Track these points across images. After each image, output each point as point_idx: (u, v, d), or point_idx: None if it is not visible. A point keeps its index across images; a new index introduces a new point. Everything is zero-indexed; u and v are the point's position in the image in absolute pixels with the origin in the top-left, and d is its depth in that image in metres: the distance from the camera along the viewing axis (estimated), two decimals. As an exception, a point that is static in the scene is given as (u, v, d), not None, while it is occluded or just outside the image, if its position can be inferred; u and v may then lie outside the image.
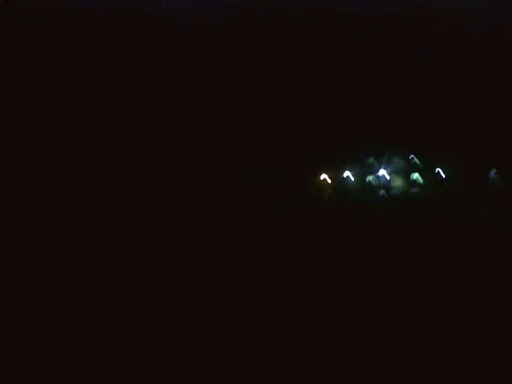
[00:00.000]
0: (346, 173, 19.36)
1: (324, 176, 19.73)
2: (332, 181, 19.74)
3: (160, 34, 24.25)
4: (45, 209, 16.02)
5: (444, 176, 19.35)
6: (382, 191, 19.17)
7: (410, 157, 20.17)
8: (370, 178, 19.45)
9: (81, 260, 10.58)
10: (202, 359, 5.32)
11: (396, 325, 5.66)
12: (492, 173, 19.05)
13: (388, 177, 19.73)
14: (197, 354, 5.40)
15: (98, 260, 10.68)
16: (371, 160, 19.92)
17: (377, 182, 19.40)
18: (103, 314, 6.83)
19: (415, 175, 19.38)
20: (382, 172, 19.36)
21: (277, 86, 22.56)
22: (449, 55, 23.27)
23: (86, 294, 7.93)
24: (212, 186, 17.96)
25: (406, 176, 19.33)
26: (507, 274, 7.91)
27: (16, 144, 18.93)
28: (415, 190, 18.57)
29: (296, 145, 20.06)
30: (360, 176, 19.21)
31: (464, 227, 13.28)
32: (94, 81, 21.84)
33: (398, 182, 19.50)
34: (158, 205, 17.24)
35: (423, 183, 19.21)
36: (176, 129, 20.92)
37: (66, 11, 25.03)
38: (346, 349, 5.24)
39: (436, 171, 19.42)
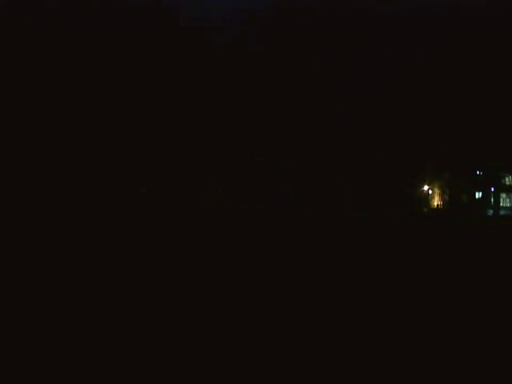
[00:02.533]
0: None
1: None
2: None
3: (159, 34, 24.22)
4: (44, 208, 15.98)
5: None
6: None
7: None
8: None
9: (81, 260, 10.63)
10: (202, 359, 5.36)
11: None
12: None
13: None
14: (196, 354, 5.45)
15: (97, 260, 10.73)
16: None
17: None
18: (102, 315, 6.88)
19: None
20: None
21: (278, 86, 22.56)
22: (452, 54, 23.22)
23: (85, 294, 7.98)
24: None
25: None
26: None
27: (15, 142, 18.91)
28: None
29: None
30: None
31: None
32: (94, 81, 21.82)
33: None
34: (156, 204, 17.22)
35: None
36: (178, 129, 20.89)
37: (67, 11, 25.00)
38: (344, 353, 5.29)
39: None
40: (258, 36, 24.35)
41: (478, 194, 29.85)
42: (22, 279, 8.74)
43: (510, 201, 26.69)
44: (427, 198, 27.86)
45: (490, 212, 25.88)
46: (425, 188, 24.75)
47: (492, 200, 26.97)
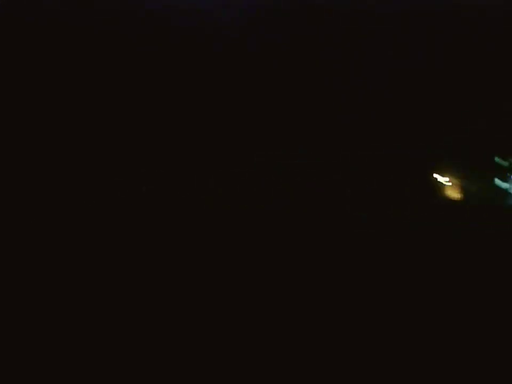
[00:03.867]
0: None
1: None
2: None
3: (159, 34, 24.27)
4: (44, 209, 16.02)
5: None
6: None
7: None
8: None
9: (81, 260, 10.59)
10: (202, 359, 5.31)
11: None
12: None
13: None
14: (196, 354, 5.37)
15: (97, 260, 10.69)
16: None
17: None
18: (103, 315, 6.78)
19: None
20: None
21: (278, 87, 22.58)
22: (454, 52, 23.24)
23: (85, 294, 7.90)
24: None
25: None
26: None
27: (15, 141, 18.94)
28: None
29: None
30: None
31: None
32: (94, 81, 21.86)
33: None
34: (157, 204, 17.24)
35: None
36: (178, 129, 20.93)
37: (67, 11, 25.03)
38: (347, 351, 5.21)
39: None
40: (257, 36, 24.36)
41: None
42: (21, 276, 8.69)
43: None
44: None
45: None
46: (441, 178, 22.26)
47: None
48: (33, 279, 8.88)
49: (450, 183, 19.90)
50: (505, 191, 17.52)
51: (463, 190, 19.44)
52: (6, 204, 16.16)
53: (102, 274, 9.30)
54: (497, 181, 18.17)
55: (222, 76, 22.37)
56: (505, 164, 18.26)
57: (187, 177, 18.49)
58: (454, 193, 19.75)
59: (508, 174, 18.04)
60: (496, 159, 18.31)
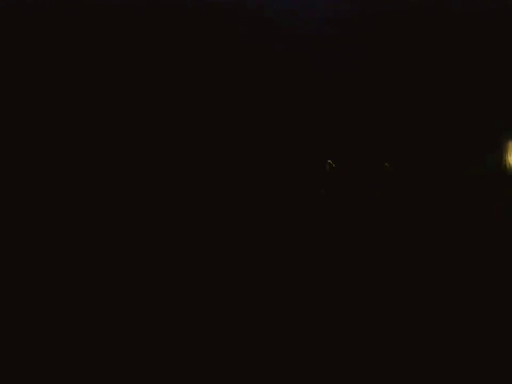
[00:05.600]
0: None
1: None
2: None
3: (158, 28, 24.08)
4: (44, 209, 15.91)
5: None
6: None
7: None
8: None
9: (81, 260, 10.54)
10: (202, 359, 5.32)
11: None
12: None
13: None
14: (197, 354, 5.38)
15: (98, 260, 10.65)
16: None
17: None
18: (103, 315, 6.78)
19: None
20: None
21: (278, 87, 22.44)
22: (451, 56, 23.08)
23: (85, 293, 7.90)
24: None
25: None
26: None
27: (15, 140, 18.89)
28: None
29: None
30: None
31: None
32: (94, 79, 21.74)
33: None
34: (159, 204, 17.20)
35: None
36: (179, 129, 20.84)
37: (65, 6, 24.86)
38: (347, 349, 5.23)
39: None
40: (257, 36, 24.20)
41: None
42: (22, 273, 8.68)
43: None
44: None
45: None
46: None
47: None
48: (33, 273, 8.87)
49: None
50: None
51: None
52: (6, 203, 16.06)
53: (100, 270, 9.31)
54: None
55: (220, 75, 22.25)
56: None
57: (187, 177, 18.45)
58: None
59: None
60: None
